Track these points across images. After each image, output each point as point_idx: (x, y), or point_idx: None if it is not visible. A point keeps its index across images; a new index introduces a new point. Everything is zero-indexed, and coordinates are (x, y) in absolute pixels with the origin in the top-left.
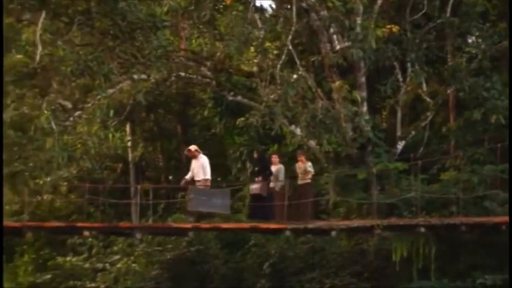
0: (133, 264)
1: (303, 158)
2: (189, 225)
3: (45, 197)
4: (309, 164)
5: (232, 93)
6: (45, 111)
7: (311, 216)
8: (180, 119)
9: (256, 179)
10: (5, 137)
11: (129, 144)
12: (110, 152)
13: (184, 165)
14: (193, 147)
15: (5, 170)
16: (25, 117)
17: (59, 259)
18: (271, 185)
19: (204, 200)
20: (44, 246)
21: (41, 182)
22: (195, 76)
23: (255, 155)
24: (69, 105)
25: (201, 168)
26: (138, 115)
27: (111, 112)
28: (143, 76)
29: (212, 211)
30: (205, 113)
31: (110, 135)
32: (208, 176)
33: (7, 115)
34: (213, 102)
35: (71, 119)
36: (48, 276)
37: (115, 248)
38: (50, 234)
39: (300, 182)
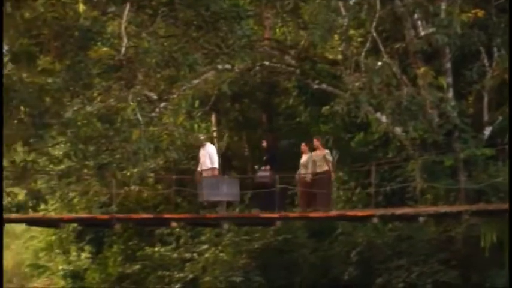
0: (221, 254)
1: (319, 145)
2: (276, 215)
3: (132, 188)
4: (327, 151)
5: (316, 81)
6: (131, 103)
7: (331, 205)
8: (265, 108)
9: (263, 167)
10: (92, 130)
11: (214, 134)
12: (196, 142)
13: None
14: (201, 136)
15: (92, 162)
16: (112, 110)
17: (148, 249)
18: (302, 175)
19: (214, 190)
20: (132, 237)
21: (128, 174)
22: (279, 65)
23: (264, 144)
24: (154, 96)
25: (207, 157)
26: (223, 105)
27: (197, 103)
28: (227, 66)
29: (222, 200)
30: (290, 101)
31: (196, 126)
32: (216, 165)
33: (94, 107)
34: (297, 91)
35: (157, 110)
36: (137, 266)
37: (203, 238)
38: (138, 225)
39: (317, 170)
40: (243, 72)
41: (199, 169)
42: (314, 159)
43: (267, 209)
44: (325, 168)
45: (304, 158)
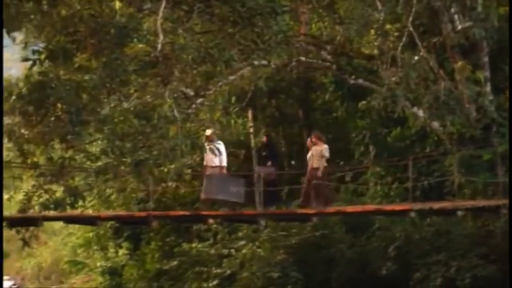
0: (259, 250)
1: (316, 140)
2: (313, 211)
3: (169, 184)
4: (325, 147)
5: (353, 76)
6: (168, 100)
7: (329, 202)
8: (302, 103)
9: (259, 164)
10: (129, 126)
11: (251, 130)
12: (233, 138)
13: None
14: (209, 131)
15: (129, 158)
16: (148, 106)
17: (185, 246)
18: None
19: (220, 188)
20: (169, 233)
21: (165, 170)
22: (315, 60)
23: (264, 139)
24: (191, 92)
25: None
26: (260, 101)
27: (233, 98)
28: (264, 62)
29: (227, 199)
30: (327, 97)
31: (232, 122)
32: (225, 164)
33: (130, 104)
34: (334, 86)
35: (194, 106)
36: (175, 262)
37: (240, 234)
38: (175, 222)
39: (314, 165)
40: (279, 67)
41: (205, 163)
42: (313, 154)
43: (272, 205)
44: (322, 164)
45: (309, 154)
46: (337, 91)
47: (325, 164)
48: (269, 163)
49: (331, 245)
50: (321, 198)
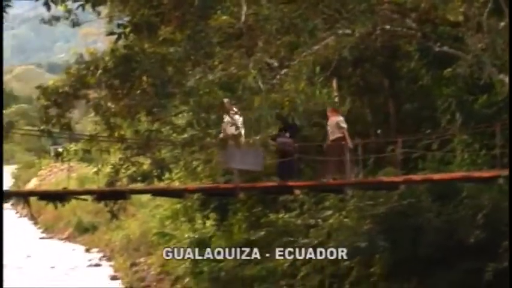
0: (345, 219)
1: (332, 111)
2: (400, 179)
3: None
4: (340, 118)
5: (438, 44)
6: (252, 71)
7: (344, 173)
8: (386, 72)
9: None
10: (214, 98)
11: (336, 99)
12: (318, 108)
13: (393, 118)
14: (226, 101)
15: (215, 130)
16: (233, 78)
17: (272, 216)
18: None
19: (237, 158)
20: (256, 204)
21: (251, 141)
22: (399, 28)
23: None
24: (275, 63)
25: (232, 124)
26: (344, 70)
27: (317, 68)
28: (348, 31)
29: (244, 168)
30: (412, 65)
31: (317, 92)
32: (242, 133)
33: (215, 76)
34: (419, 54)
35: (278, 77)
36: (262, 233)
37: (326, 204)
38: (262, 194)
39: (331, 137)
40: (364, 36)
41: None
42: (329, 126)
43: (287, 177)
44: (338, 135)
45: (329, 123)
46: (422, 59)
47: (345, 134)
48: (287, 134)
49: (418, 213)
50: (337, 170)
